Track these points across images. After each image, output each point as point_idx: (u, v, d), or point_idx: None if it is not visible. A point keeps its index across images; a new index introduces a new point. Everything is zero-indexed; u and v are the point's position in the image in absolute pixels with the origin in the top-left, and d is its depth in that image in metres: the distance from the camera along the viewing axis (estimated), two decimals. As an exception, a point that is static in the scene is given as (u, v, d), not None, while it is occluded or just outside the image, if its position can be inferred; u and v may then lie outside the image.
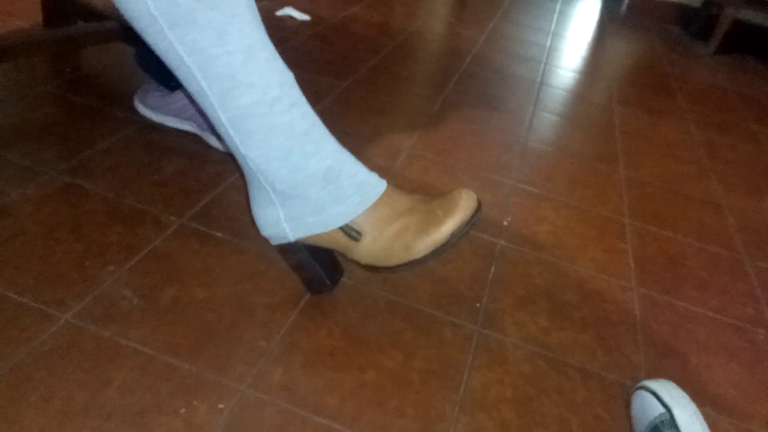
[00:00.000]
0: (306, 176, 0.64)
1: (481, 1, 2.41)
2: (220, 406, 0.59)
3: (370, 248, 0.67)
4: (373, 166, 1.05)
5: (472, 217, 0.68)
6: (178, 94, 0.99)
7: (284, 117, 0.62)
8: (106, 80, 1.13)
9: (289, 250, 0.69)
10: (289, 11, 1.72)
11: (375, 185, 0.67)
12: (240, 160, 0.64)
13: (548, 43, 2.03)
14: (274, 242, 0.70)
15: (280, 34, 1.57)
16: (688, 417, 0.59)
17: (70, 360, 0.59)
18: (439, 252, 0.67)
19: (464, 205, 0.67)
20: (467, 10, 2.23)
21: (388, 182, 1.00)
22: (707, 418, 0.70)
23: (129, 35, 1.12)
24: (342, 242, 0.68)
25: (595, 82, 1.75)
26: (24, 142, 0.90)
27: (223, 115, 0.60)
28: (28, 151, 0.88)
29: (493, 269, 0.86)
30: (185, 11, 0.54)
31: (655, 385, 0.62)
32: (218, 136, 0.98)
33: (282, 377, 0.63)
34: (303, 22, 1.69)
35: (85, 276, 0.70)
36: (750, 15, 2.58)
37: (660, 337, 0.81)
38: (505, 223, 0.98)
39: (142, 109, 1.02)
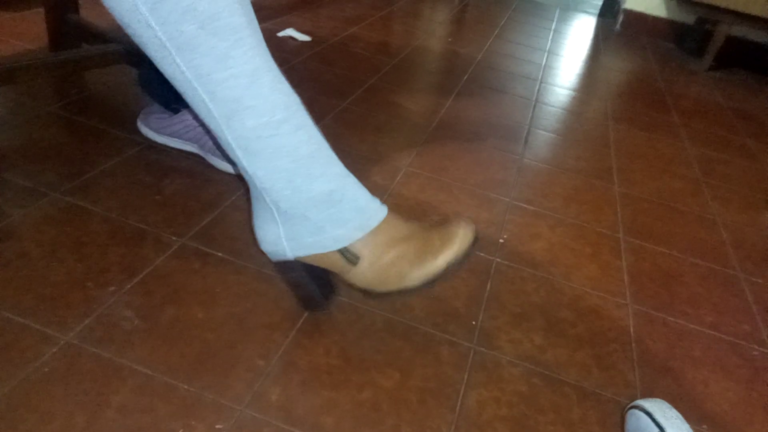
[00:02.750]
0: (309, 198, 0.65)
1: (478, 20, 2.44)
2: (218, 426, 0.59)
3: (366, 273, 0.69)
4: (371, 185, 1.06)
5: (468, 249, 0.69)
6: (181, 116, 1.01)
7: (290, 139, 0.63)
8: (110, 102, 1.15)
9: (286, 267, 0.71)
10: (290, 32, 1.75)
11: (376, 211, 0.69)
12: (247, 178, 0.66)
13: (544, 61, 2.05)
14: (272, 258, 0.71)
15: (281, 55, 1.60)
16: (681, 435, 0.59)
17: (69, 381, 0.60)
18: (433, 281, 0.69)
19: (462, 237, 0.69)
20: (464, 28, 2.27)
21: (387, 202, 1.01)
22: (702, 435, 0.71)
23: (132, 57, 1.14)
24: (339, 264, 0.69)
25: (590, 99, 1.78)
26: (27, 163, 0.92)
27: (230, 136, 0.62)
28: (31, 173, 0.90)
29: (489, 287, 0.87)
30: (189, 37, 0.56)
31: (649, 404, 0.63)
32: (226, 156, 0.99)
33: (280, 397, 0.64)
34: (304, 43, 1.72)
35: (86, 296, 0.71)
36: (743, 31, 2.62)
37: (655, 354, 0.82)
38: (501, 240, 0.99)
39: (145, 130, 1.04)
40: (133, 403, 0.60)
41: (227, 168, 1.00)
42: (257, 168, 0.64)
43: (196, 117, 1.00)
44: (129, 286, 0.74)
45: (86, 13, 1.52)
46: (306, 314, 0.75)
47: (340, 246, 0.68)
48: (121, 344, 0.66)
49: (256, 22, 0.62)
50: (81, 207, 0.85)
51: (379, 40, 1.89)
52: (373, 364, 0.70)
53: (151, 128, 1.03)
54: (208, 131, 0.99)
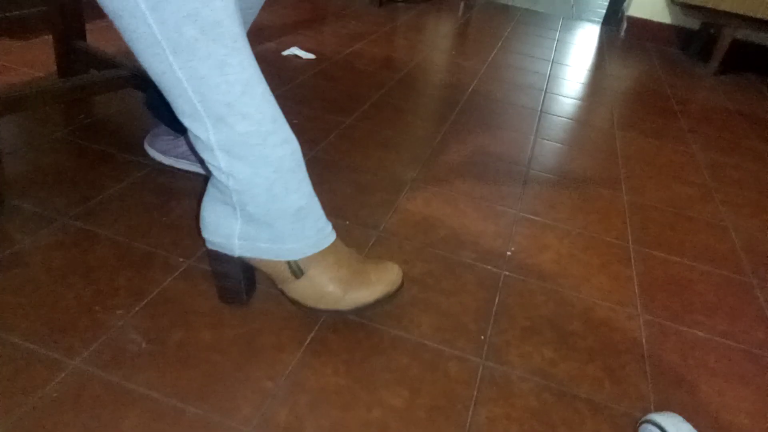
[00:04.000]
0: (280, 208, 0.68)
1: (482, 32, 2.45)
2: (227, 448, 0.59)
3: (305, 288, 0.73)
4: (377, 200, 1.06)
5: (395, 291, 0.76)
6: (187, 137, 1.02)
7: (276, 151, 0.65)
8: (117, 125, 1.17)
9: (223, 258, 0.73)
10: (294, 51, 1.77)
11: (329, 233, 0.74)
12: (216, 174, 0.67)
13: (548, 71, 2.05)
14: (212, 247, 0.73)
15: (286, 73, 1.61)
16: (697, 448, 0.58)
17: (78, 407, 0.60)
18: (363, 310, 0.74)
19: (394, 280, 0.75)
20: (468, 41, 2.28)
21: (393, 217, 1.01)
22: (719, 447, 0.70)
23: (139, 81, 1.16)
24: (282, 275, 0.73)
25: (595, 108, 1.77)
26: (36, 189, 0.93)
27: (214, 138, 0.63)
28: (40, 199, 0.91)
29: (497, 300, 0.87)
30: (189, 40, 0.57)
31: (662, 418, 0.62)
32: (195, 153, 1.00)
33: (288, 418, 0.63)
34: (308, 61, 1.73)
35: (94, 321, 0.71)
36: (749, 34, 2.60)
37: (668, 366, 0.81)
38: (509, 253, 0.98)
39: (152, 152, 1.05)
40: (142, 427, 0.60)
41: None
42: (237, 171, 0.65)
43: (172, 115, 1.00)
44: (137, 309, 0.74)
45: (93, 40, 1.55)
46: (313, 333, 0.75)
47: (293, 258, 0.71)
48: (130, 368, 0.66)
49: (245, 34, 0.63)
50: (89, 231, 0.86)
51: (383, 55, 1.91)
52: (381, 382, 0.70)
53: (158, 150, 1.04)
54: (182, 128, 0.98)
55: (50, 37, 1.52)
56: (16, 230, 0.84)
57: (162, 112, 1.02)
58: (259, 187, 0.66)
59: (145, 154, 1.07)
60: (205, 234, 0.73)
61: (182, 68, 0.58)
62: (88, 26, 1.27)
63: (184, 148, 1.02)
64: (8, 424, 0.58)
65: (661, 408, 0.73)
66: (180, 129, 1.02)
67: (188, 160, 1.03)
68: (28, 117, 1.14)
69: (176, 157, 1.03)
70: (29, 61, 1.38)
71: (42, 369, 0.64)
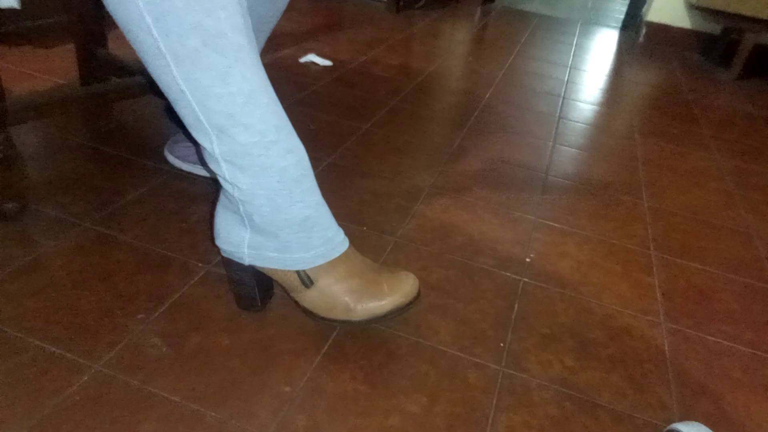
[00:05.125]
0: (285, 218, 0.68)
1: (499, 37, 2.44)
2: (245, 454, 0.59)
3: (316, 298, 0.72)
4: (394, 206, 1.06)
5: (410, 303, 0.73)
6: None
7: (279, 161, 0.65)
8: (137, 132, 1.18)
9: (236, 266, 0.73)
10: (311, 57, 1.78)
11: (340, 243, 0.72)
12: (224, 184, 0.67)
13: (566, 77, 2.04)
14: (225, 255, 0.73)
15: (303, 80, 1.62)
16: (723, 460, 0.57)
17: (99, 410, 0.61)
18: (375, 322, 0.73)
19: (408, 291, 0.73)
20: (485, 47, 2.27)
21: (410, 223, 1.01)
22: (746, 460, 0.68)
23: (159, 88, 1.17)
24: (293, 284, 0.72)
25: (615, 114, 1.75)
26: (58, 194, 0.94)
27: (217, 149, 0.63)
28: (62, 204, 0.92)
29: (516, 308, 0.86)
30: (191, 51, 0.57)
31: (687, 428, 0.60)
32: (203, 163, 1.00)
33: (305, 424, 0.63)
34: (325, 68, 1.74)
35: (114, 325, 0.72)
36: (772, 39, 2.56)
37: (692, 375, 0.79)
38: (528, 260, 0.97)
39: (172, 159, 1.06)
40: (161, 431, 0.60)
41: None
42: (240, 182, 0.65)
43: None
44: (156, 313, 0.74)
45: (114, 48, 1.57)
46: (331, 339, 0.75)
47: (300, 268, 0.71)
48: (149, 372, 0.66)
49: (255, 44, 0.63)
50: (109, 236, 0.87)
51: (400, 62, 1.91)
52: (399, 389, 0.69)
53: (177, 156, 1.05)
54: (191, 139, 1.00)
55: (72, 45, 1.54)
56: (38, 235, 0.85)
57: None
58: (262, 197, 0.66)
59: (165, 161, 1.08)
60: (218, 242, 0.73)
61: (185, 79, 0.59)
62: (109, 34, 1.29)
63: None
64: (30, 425, 0.58)
65: (684, 418, 0.72)
66: None
67: (206, 166, 1.04)
68: (50, 123, 1.16)
69: (194, 163, 1.04)
70: (51, 68, 1.40)
71: (63, 372, 0.64)
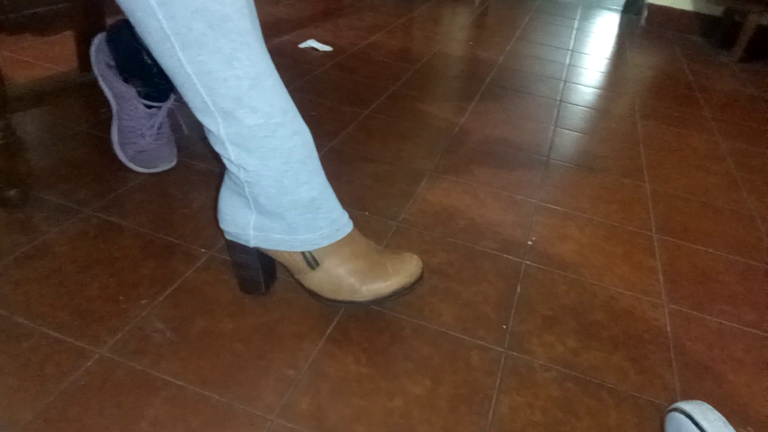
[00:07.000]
0: (291, 200, 0.68)
1: (499, 22, 2.43)
2: (251, 435, 0.59)
3: (321, 279, 0.72)
4: (396, 191, 1.06)
5: (414, 284, 0.74)
6: (130, 85, 1.01)
7: (286, 143, 0.65)
8: (137, 119, 1.18)
9: (241, 249, 0.74)
10: (311, 43, 1.77)
11: (345, 225, 0.73)
12: (229, 166, 0.67)
13: (567, 61, 2.03)
14: (229, 238, 0.74)
15: (303, 65, 1.61)
16: (725, 438, 0.57)
17: (104, 395, 0.61)
18: (379, 302, 0.74)
19: (412, 271, 0.74)
20: (485, 31, 2.25)
21: (412, 207, 1.01)
22: (748, 438, 0.68)
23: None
24: (298, 265, 0.72)
25: (616, 97, 1.74)
26: (60, 181, 0.94)
27: (223, 131, 0.63)
28: (64, 191, 0.92)
29: (518, 290, 0.86)
30: (198, 35, 0.57)
31: (690, 407, 0.61)
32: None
33: (310, 406, 0.64)
34: (325, 53, 1.73)
35: (119, 310, 0.72)
36: (775, 20, 2.54)
37: (694, 355, 0.79)
38: (530, 242, 0.97)
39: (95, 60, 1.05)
40: (166, 414, 0.60)
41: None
42: (247, 163, 0.65)
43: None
44: (160, 299, 0.75)
45: (114, 35, 1.56)
46: (335, 322, 0.75)
47: (306, 249, 0.71)
48: (154, 356, 0.67)
49: (259, 28, 0.63)
50: (112, 222, 0.87)
51: (400, 47, 1.90)
52: (402, 371, 0.70)
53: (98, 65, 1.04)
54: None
55: (72, 33, 1.53)
56: (42, 222, 0.85)
57: (121, 51, 1.01)
58: (269, 179, 0.66)
59: (166, 147, 1.07)
60: (222, 225, 0.73)
61: (191, 63, 0.59)
62: (108, 22, 1.29)
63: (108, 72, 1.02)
64: (36, 410, 0.59)
65: (686, 398, 0.72)
66: (127, 79, 1.01)
67: (103, 78, 1.03)
68: (51, 111, 1.15)
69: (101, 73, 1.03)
70: (51, 56, 1.40)
71: (69, 357, 0.65)
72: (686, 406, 0.61)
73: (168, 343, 0.69)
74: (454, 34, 2.15)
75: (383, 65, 1.70)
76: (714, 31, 2.65)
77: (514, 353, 0.75)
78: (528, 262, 0.93)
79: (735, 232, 1.11)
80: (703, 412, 0.59)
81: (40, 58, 1.38)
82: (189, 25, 0.56)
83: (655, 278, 0.94)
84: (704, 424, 0.58)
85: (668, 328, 0.83)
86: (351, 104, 1.41)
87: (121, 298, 0.74)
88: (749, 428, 0.70)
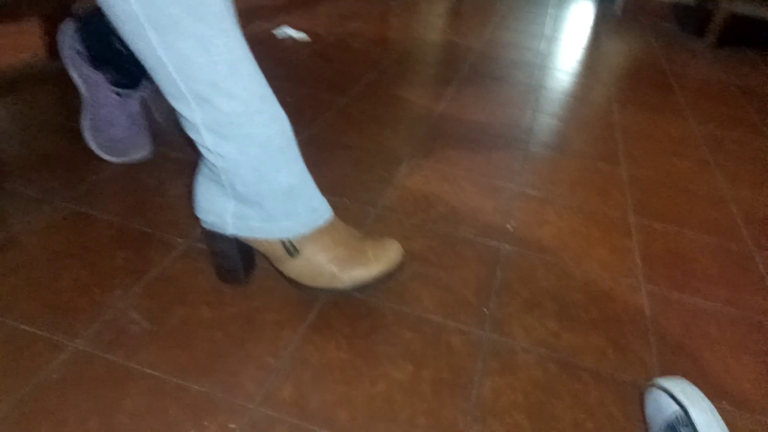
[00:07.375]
0: (270, 188, 0.67)
1: (476, 10, 2.42)
2: (231, 425, 0.59)
3: (301, 267, 0.72)
4: (374, 177, 1.05)
5: (395, 270, 0.74)
6: (99, 72, 1.00)
7: (264, 130, 0.64)
8: (108, 108, 1.15)
9: (219, 237, 0.72)
10: (287, 30, 1.74)
11: (324, 212, 0.72)
12: (206, 154, 0.66)
13: (544, 48, 2.03)
14: (207, 227, 0.72)
15: (279, 53, 1.59)
16: (703, 414, 0.58)
17: (80, 387, 0.60)
18: (360, 288, 0.73)
19: (393, 257, 0.73)
20: (462, 19, 2.25)
21: (391, 194, 1.00)
22: (725, 413, 0.70)
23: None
24: (278, 253, 0.71)
25: (593, 84, 1.76)
26: (30, 172, 0.92)
27: (199, 117, 0.62)
28: (34, 181, 0.89)
29: (498, 274, 0.86)
30: (174, 20, 0.55)
31: (668, 383, 0.61)
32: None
33: (292, 394, 0.63)
34: (302, 41, 1.71)
35: (93, 302, 0.70)
36: (746, 8, 2.58)
37: (671, 335, 0.81)
38: (509, 227, 0.98)
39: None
40: (145, 406, 0.59)
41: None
42: (224, 150, 0.64)
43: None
44: (136, 289, 0.73)
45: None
46: (316, 310, 0.74)
47: (286, 237, 0.70)
48: (131, 348, 0.65)
49: (234, 14, 0.61)
50: (84, 213, 0.85)
51: (377, 35, 1.88)
52: (384, 357, 0.69)
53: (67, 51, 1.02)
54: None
55: (38, 20, 1.49)
56: (11, 212, 0.82)
57: (92, 37, 0.98)
58: (246, 166, 0.65)
59: (139, 136, 1.05)
60: (199, 213, 0.72)
61: (166, 48, 0.57)
62: (74, 7, 1.25)
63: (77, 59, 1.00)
64: (10, 404, 0.57)
65: (665, 376, 0.73)
66: (98, 66, 0.99)
67: (73, 65, 1.01)
68: (19, 100, 1.12)
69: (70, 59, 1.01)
70: (18, 44, 1.35)
71: (42, 350, 0.63)
72: (664, 382, 0.62)
73: (145, 333, 0.67)
74: (432, 22, 2.14)
75: (361, 53, 1.69)
76: (688, 19, 2.69)
77: (496, 336, 0.75)
78: (508, 247, 0.93)
79: (709, 214, 1.13)
80: (681, 387, 0.60)
81: (5, 47, 1.33)
82: (162, 9, 0.55)
83: (633, 260, 0.95)
84: (682, 398, 0.59)
85: (646, 309, 0.85)
86: (329, 92, 1.39)
87: (95, 289, 0.72)
88: (724, 402, 0.71)
